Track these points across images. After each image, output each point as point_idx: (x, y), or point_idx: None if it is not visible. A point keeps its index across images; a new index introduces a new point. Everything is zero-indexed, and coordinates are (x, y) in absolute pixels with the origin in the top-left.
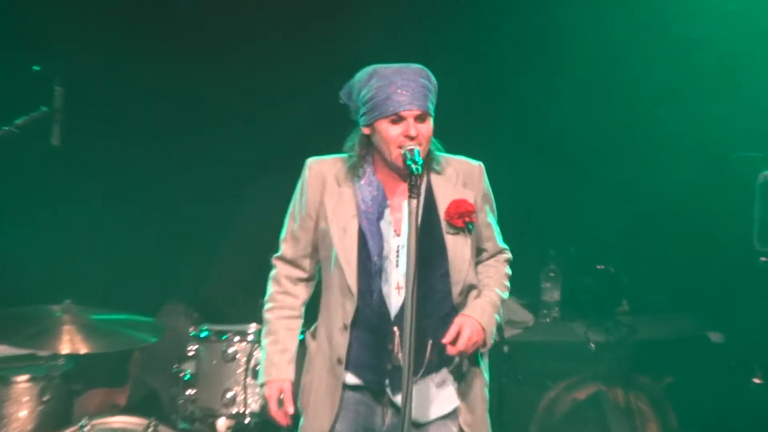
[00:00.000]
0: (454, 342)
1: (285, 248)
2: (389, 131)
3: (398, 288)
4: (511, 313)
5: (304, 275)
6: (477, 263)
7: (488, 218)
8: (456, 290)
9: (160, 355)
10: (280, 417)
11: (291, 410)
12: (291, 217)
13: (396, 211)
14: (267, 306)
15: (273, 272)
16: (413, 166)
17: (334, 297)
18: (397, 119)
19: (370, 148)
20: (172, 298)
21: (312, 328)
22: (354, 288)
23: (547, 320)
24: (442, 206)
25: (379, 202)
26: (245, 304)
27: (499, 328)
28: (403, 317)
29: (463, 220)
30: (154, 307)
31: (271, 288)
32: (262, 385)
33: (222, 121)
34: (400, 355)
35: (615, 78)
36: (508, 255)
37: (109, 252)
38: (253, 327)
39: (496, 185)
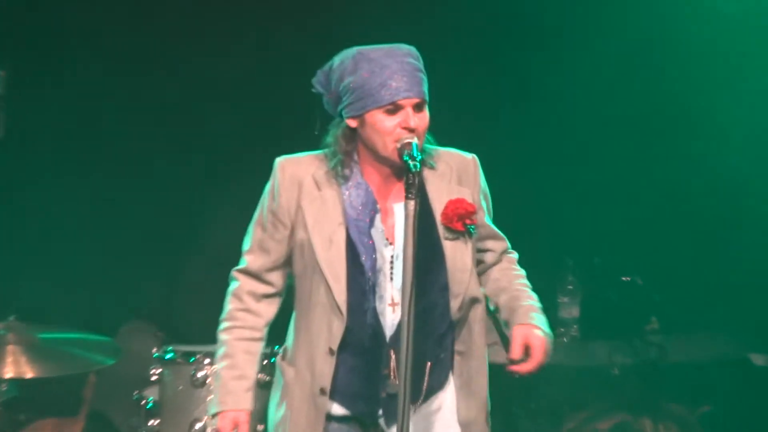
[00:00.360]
0: (520, 359)
1: (250, 260)
2: (384, 123)
3: (393, 304)
4: None
5: (270, 291)
6: (482, 268)
7: (486, 217)
8: (455, 304)
9: (119, 380)
10: None
11: None
12: (258, 225)
13: (388, 216)
14: (224, 325)
15: (233, 287)
16: (411, 162)
17: (317, 317)
18: (394, 109)
19: (354, 144)
20: (133, 315)
21: (283, 352)
22: (344, 307)
23: (565, 340)
24: (437, 207)
25: (369, 208)
26: (215, 322)
27: (508, 349)
28: (399, 337)
29: (463, 222)
30: (113, 326)
31: (229, 305)
32: (214, 416)
33: (185, 121)
34: (396, 381)
35: (645, 65)
36: (516, 255)
37: (60, 262)
38: None
39: (503, 183)
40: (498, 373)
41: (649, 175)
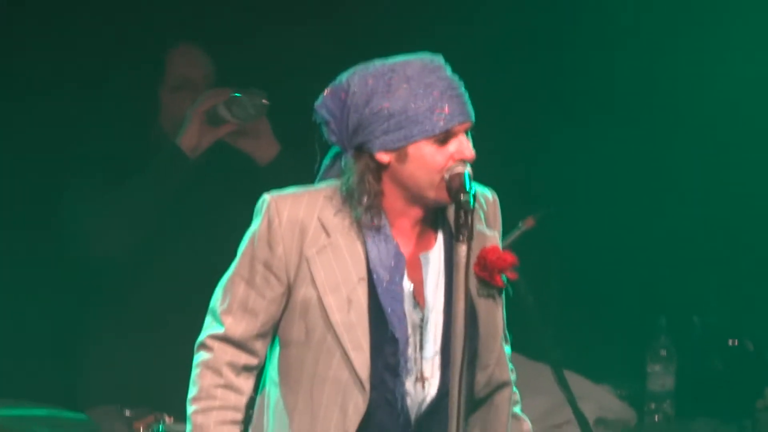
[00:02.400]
0: None
1: (231, 324)
2: (435, 156)
3: (421, 379)
4: (604, 408)
5: (253, 362)
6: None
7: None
8: (482, 378)
9: None
10: None
11: None
12: (241, 279)
13: (415, 270)
14: (199, 405)
15: (206, 357)
16: (464, 197)
17: (324, 397)
18: (445, 138)
19: (379, 187)
20: (103, 394)
21: None
22: (367, 384)
23: (657, 419)
24: (470, 257)
25: (397, 263)
26: None
27: (588, 431)
28: (426, 419)
29: (503, 275)
30: (89, 401)
31: (202, 380)
32: None
33: None
34: None
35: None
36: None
37: (24, 323)
38: None
39: (580, 226)
40: None
41: (759, 216)
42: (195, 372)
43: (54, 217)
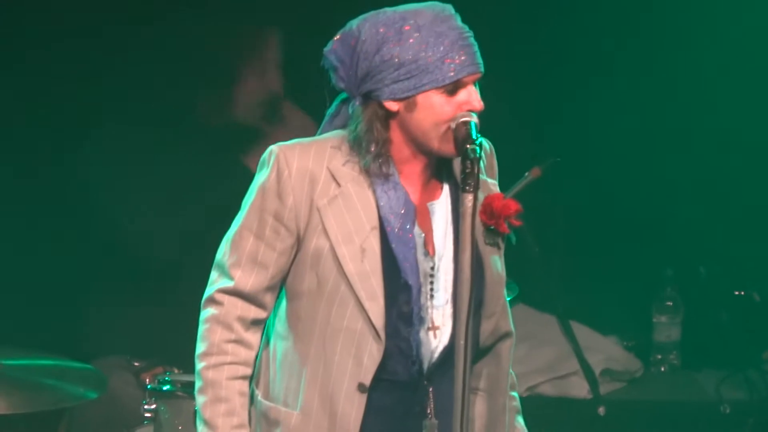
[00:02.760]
0: None
1: (241, 277)
2: (444, 106)
3: (433, 328)
4: (610, 360)
5: (261, 316)
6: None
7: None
8: (488, 327)
9: (102, 418)
10: None
11: None
12: (249, 232)
13: (423, 219)
14: (210, 361)
15: (215, 312)
16: (470, 147)
17: (338, 347)
18: (454, 88)
19: (387, 135)
20: (111, 345)
21: (263, 393)
22: (382, 333)
23: (663, 369)
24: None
25: (409, 213)
26: None
27: (593, 382)
28: (438, 369)
29: (509, 222)
30: (95, 351)
31: (213, 335)
32: None
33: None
34: (434, 421)
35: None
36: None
37: (28, 273)
38: None
39: (580, 172)
40: (577, 408)
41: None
42: (203, 327)
43: (64, 170)
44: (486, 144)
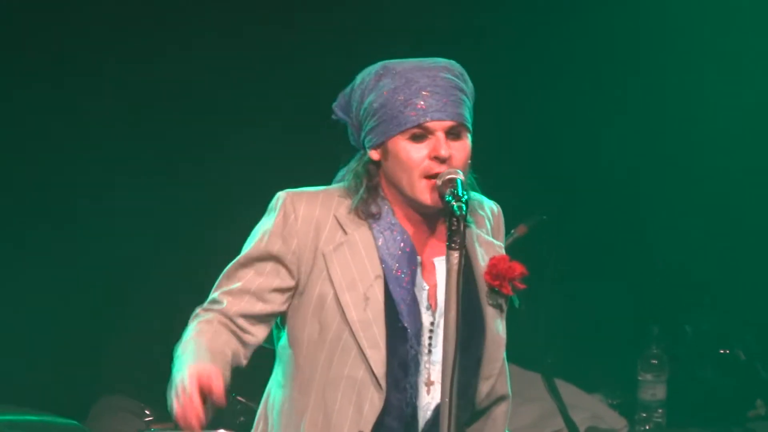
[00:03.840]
0: None
1: (231, 302)
2: (410, 152)
3: (429, 384)
4: (595, 418)
5: (248, 340)
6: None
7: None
8: (484, 388)
9: None
10: (190, 411)
11: (221, 401)
12: (249, 268)
13: (429, 274)
14: (193, 329)
15: (199, 318)
16: (454, 203)
17: (339, 395)
18: (421, 134)
19: (376, 180)
20: (108, 389)
21: None
22: (383, 381)
23: (648, 428)
24: (479, 264)
25: (410, 258)
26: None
27: None
28: (433, 425)
29: (513, 285)
30: (82, 406)
31: (196, 323)
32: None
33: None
34: None
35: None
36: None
37: (13, 326)
38: None
39: (565, 229)
40: None
41: (756, 224)
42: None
43: (59, 214)
44: (495, 207)
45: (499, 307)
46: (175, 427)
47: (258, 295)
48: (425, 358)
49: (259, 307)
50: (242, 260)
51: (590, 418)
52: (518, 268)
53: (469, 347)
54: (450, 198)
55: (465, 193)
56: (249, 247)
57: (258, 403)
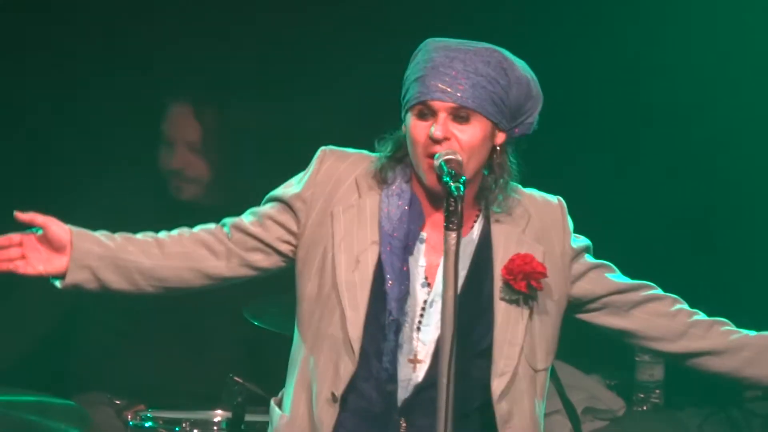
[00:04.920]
0: None
1: (231, 219)
2: (415, 128)
3: (414, 361)
4: (592, 398)
5: (224, 246)
6: (659, 317)
7: (610, 275)
8: (498, 384)
9: None
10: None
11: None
12: (265, 203)
13: (433, 249)
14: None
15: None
16: (452, 184)
17: (323, 353)
18: (425, 112)
19: (404, 151)
20: (90, 381)
21: (280, 395)
22: (357, 344)
23: (645, 408)
24: (499, 258)
25: (408, 224)
26: (208, 381)
27: (576, 421)
28: (413, 404)
29: (528, 282)
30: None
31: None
32: None
33: None
34: None
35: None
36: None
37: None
38: (219, 414)
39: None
40: None
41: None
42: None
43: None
44: (554, 200)
45: (514, 303)
46: (148, 407)
47: (258, 217)
48: (414, 334)
49: (254, 229)
50: (263, 201)
51: (588, 399)
52: (537, 267)
53: (470, 335)
54: (448, 179)
55: (464, 175)
56: (281, 187)
57: (255, 384)
